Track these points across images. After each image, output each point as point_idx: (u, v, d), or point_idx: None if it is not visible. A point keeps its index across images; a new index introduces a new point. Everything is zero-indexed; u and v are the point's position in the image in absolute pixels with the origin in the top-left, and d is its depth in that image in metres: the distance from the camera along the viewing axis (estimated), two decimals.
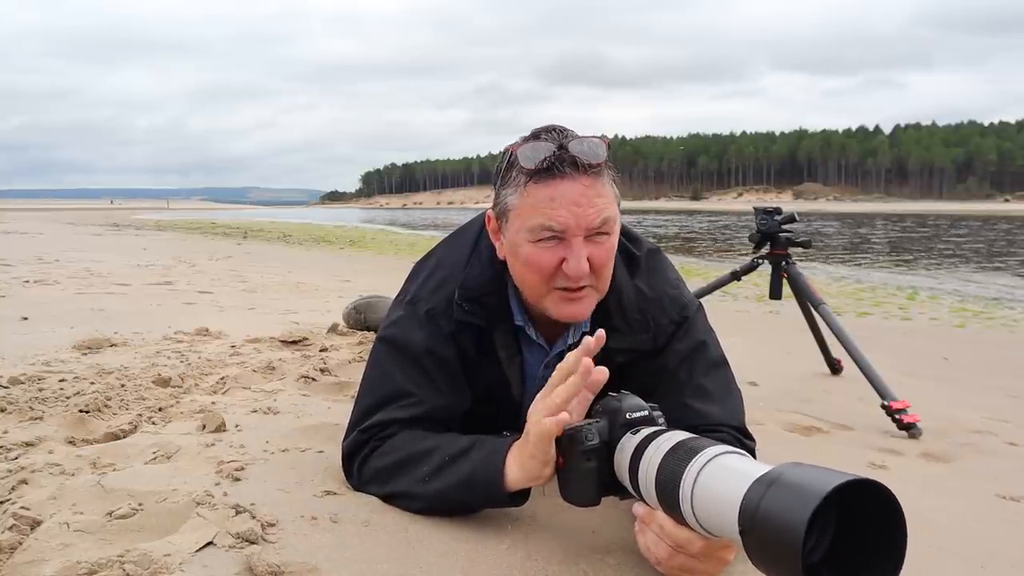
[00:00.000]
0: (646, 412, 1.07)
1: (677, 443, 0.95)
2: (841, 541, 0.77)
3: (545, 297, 1.24)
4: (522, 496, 1.16)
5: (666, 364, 1.34)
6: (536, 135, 1.21)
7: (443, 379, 1.31)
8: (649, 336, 1.35)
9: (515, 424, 1.42)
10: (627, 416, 1.06)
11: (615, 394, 1.10)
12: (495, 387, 1.37)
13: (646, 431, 1.03)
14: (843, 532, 0.77)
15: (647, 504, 1.01)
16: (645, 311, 1.35)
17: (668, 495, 0.93)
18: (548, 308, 1.25)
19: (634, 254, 1.40)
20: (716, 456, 0.89)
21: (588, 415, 1.11)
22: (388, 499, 1.24)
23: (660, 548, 0.99)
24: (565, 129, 1.21)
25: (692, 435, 0.98)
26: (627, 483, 1.04)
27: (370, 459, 1.27)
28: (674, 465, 0.92)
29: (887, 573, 0.75)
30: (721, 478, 0.86)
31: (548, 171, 1.16)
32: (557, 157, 1.15)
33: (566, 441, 1.07)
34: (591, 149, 1.16)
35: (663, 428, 1.03)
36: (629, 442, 1.03)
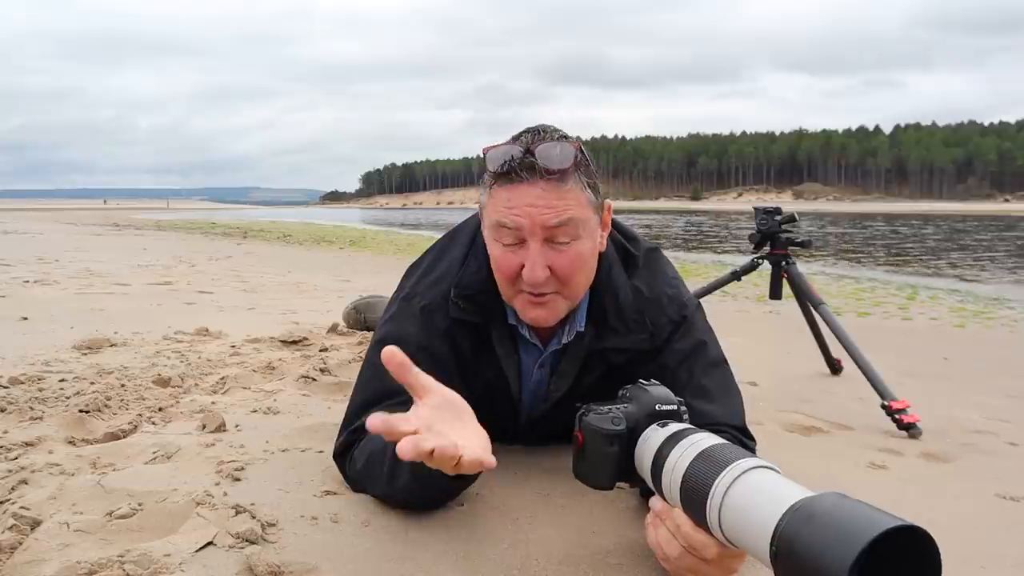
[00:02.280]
0: (675, 406, 1.07)
1: (707, 448, 0.94)
2: (872, 568, 0.76)
3: (514, 299, 1.26)
4: (469, 478, 1.15)
5: (666, 364, 1.34)
6: (515, 137, 1.22)
7: (435, 377, 1.31)
8: (647, 336, 1.35)
9: (513, 422, 1.42)
10: (656, 407, 1.05)
11: (645, 383, 1.09)
12: (493, 385, 1.36)
13: (674, 427, 1.02)
14: (875, 561, 0.76)
15: (665, 499, 1.01)
16: (643, 311, 1.35)
17: (695, 500, 0.92)
18: (517, 310, 1.28)
19: (632, 253, 1.40)
20: (749, 470, 0.88)
21: (616, 399, 1.10)
22: (379, 498, 1.24)
23: (672, 546, 0.99)
24: (544, 131, 1.21)
25: (721, 440, 0.97)
26: (646, 475, 1.03)
27: (353, 460, 1.28)
28: (704, 472, 0.91)
29: None
30: (755, 496, 0.85)
31: (507, 175, 1.18)
32: (518, 162, 1.16)
33: (590, 421, 1.06)
34: (558, 154, 1.16)
35: (689, 427, 1.02)
36: (655, 435, 1.02)
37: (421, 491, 1.17)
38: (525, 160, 1.16)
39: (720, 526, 0.89)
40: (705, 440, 0.97)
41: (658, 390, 1.08)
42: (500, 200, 1.19)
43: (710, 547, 0.94)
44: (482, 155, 1.23)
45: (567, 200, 1.18)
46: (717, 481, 0.89)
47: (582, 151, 1.19)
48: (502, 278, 1.24)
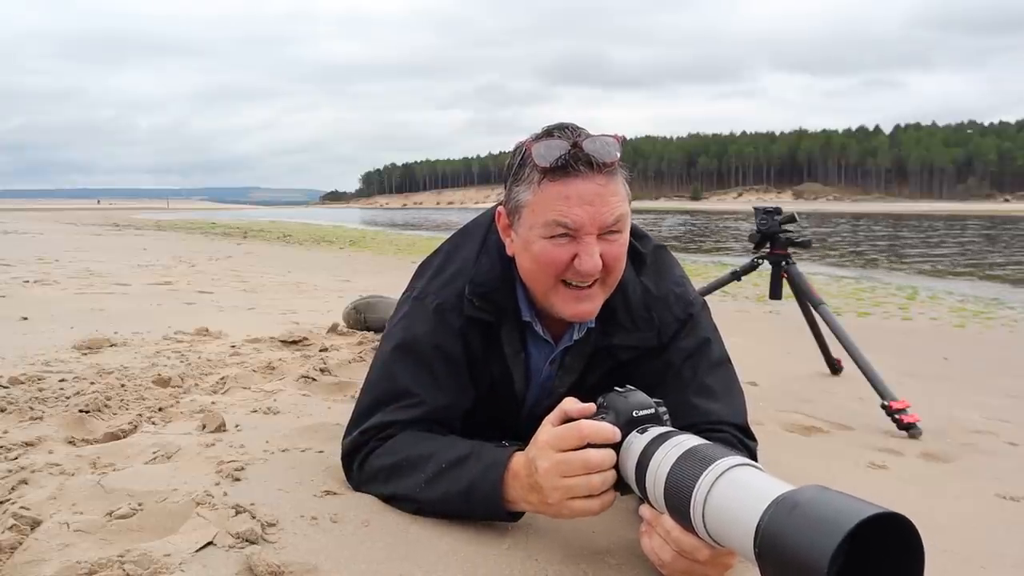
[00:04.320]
0: (652, 410, 1.07)
1: (688, 450, 0.94)
2: (856, 560, 0.76)
3: (553, 295, 1.24)
4: (520, 512, 1.16)
5: (670, 361, 1.34)
6: (549, 133, 1.21)
7: (447, 377, 1.31)
8: (654, 333, 1.35)
9: (517, 420, 1.42)
10: (634, 414, 1.05)
11: (621, 389, 1.09)
12: (499, 383, 1.37)
13: (654, 431, 1.02)
14: (859, 552, 0.76)
15: (652, 506, 1.01)
16: (651, 308, 1.35)
17: (678, 503, 0.92)
18: (555, 306, 1.25)
19: (640, 251, 1.40)
20: (730, 468, 0.88)
21: (596, 409, 1.10)
22: (387, 500, 1.25)
23: (665, 552, 0.99)
24: (579, 127, 1.22)
25: (702, 440, 0.97)
26: (631, 482, 1.03)
27: (369, 460, 1.27)
28: (685, 473, 0.91)
29: None
30: (736, 495, 0.85)
31: (563, 169, 1.16)
32: (572, 155, 1.16)
33: None
34: (605, 148, 1.17)
35: (672, 430, 1.03)
36: (636, 441, 1.02)
37: (461, 507, 1.17)
38: (580, 154, 1.16)
39: (704, 526, 0.89)
40: (686, 441, 0.96)
41: (635, 396, 1.08)
42: (553, 195, 1.17)
43: (701, 549, 0.94)
44: (523, 151, 1.22)
45: (618, 196, 1.19)
46: (699, 481, 0.89)
47: (622, 145, 1.20)
48: (547, 272, 1.22)
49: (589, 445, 1.03)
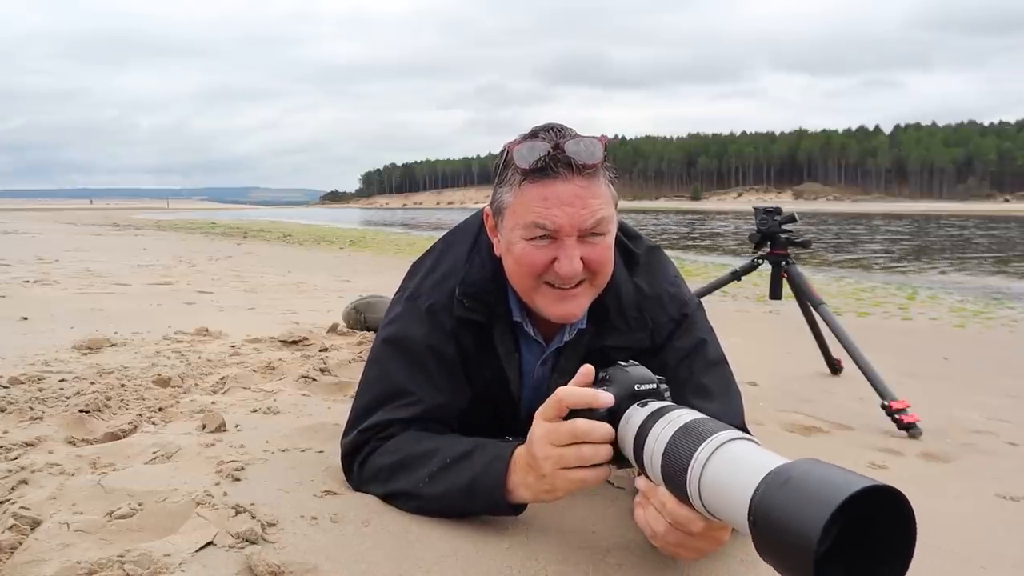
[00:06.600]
0: (654, 385, 1.07)
1: (687, 423, 0.94)
2: (849, 533, 0.76)
3: (536, 295, 1.25)
4: (523, 505, 1.16)
5: (666, 362, 1.34)
6: (534, 134, 1.21)
7: (442, 376, 1.31)
8: (647, 334, 1.35)
9: (513, 420, 1.42)
10: (635, 387, 1.05)
11: (624, 363, 1.09)
12: (494, 384, 1.37)
13: (654, 405, 1.02)
14: (852, 525, 0.76)
15: (649, 478, 1.01)
16: (643, 309, 1.35)
17: (675, 475, 0.92)
18: (539, 306, 1.26)
19: (633, 252, 1.40)
20: (727, 442, 0.88)
21: (596, 382, 1.10)
22: (388, 499, 1.24)
23: (658, 523, 0.99)
24: (564, 128, 1.22)
25: (701, 415, 0.97)
26: (630, 455, 1.03)
27: (370, 459, 1.27)
28: (683, 446, 0.91)
29: (895, 570, 0.75)
30: (732, 467, 0.85)
31: (542, 171, 1.16)
32: (552, 157, 1.16)
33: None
34: (587, 150, 1.16)
35: (671, 404, 1.03)
36: (636, 414, 1.02)
37: (464, 502, 1.16)
38: (560, 156, 1.15)
39: (700, 499, 0.89)
40: (685, 415, 0.97)
41: (637, 370, 1.08)
42: (533, 197, 1.17)
43: (695, 521, 0.94)
44: (506, 152, 1.22)
45: (600, 199, 1.19)
46: (696, 455, 0.89)
47: (606, 147, 1.20)
48: (528, 273, 1.22)
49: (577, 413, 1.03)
